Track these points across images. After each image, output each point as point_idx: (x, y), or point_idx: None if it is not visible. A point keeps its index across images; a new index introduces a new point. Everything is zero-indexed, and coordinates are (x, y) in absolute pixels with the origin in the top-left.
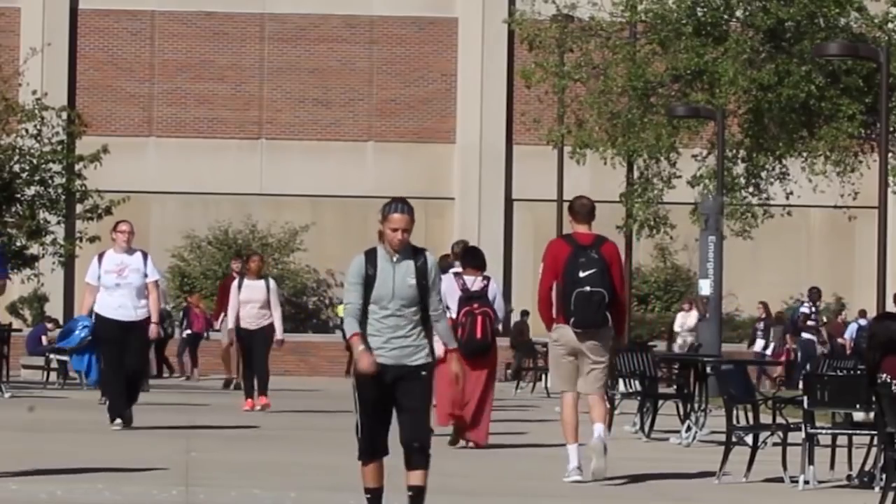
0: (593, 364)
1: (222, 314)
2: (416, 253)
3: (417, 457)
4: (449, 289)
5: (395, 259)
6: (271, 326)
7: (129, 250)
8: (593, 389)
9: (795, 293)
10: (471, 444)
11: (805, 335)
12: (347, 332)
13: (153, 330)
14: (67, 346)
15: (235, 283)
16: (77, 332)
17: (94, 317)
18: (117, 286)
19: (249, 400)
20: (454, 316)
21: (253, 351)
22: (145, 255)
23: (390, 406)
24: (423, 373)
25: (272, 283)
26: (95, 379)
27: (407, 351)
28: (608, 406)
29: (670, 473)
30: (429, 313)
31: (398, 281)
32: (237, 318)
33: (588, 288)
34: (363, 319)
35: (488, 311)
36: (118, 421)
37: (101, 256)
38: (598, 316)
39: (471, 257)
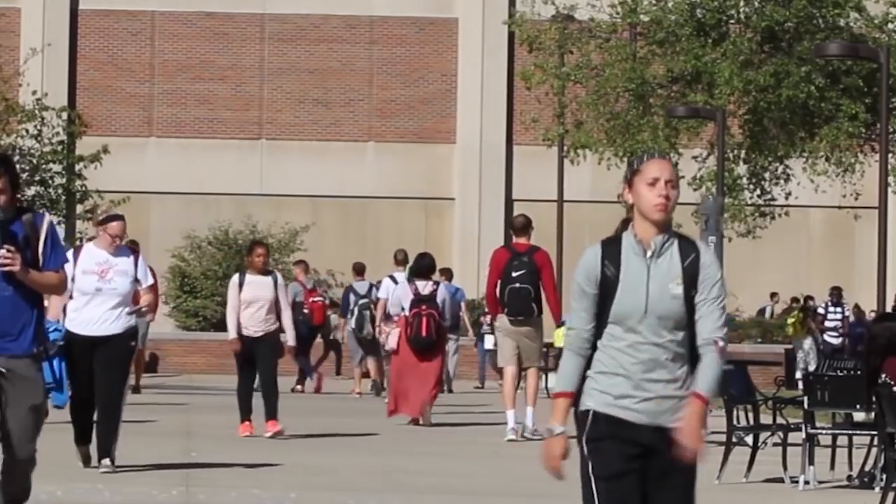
0: (530, 342)
1: None
2: (684, 244)
3: None
4: (404, 293)
5: (650, 254)
6: (279, 331)
7: (118, 250)
8: (531, 363)
9: (796, 293)
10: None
11: (825, 336)
12: (555, 384)
13: (145, 299)
14: None
15: (236, 279)
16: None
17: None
18: (98, 291)
19: (247, 423)
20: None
21: (258, 363)
22: (136, 255)
23: (640, 491)
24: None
25: (280, 278)
26: (64, 401)
27: (667, 404)
28: (540, 383)
29: None
30: (698, 341)
31: (655, 288)
32: (238, 323)
33: (518, 284)
34: (593, 353)
35: (433, 313)
36: (106, 461)
37: (76, 252)
38: (526, 307)
39: (416, 268)
